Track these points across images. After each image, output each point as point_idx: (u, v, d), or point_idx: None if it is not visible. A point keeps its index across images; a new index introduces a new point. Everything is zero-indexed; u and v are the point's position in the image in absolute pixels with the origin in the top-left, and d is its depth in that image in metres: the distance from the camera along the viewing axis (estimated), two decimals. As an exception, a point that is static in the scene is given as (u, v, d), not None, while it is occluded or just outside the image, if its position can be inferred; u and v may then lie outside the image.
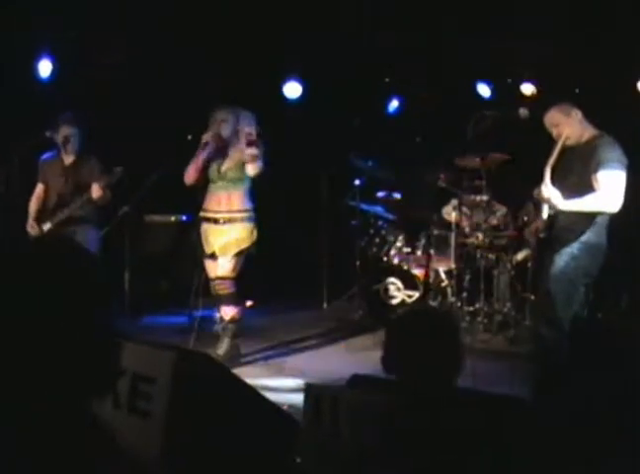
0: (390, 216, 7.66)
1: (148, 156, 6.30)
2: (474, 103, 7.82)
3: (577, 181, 4.52)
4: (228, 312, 5.78)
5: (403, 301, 7.13)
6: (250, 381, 3.50)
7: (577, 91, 7.32)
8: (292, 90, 8.51)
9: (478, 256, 7.07)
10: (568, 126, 4.59)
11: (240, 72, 8.00)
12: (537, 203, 4.80)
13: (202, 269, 5.87)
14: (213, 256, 5.76)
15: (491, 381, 4.75)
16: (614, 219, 4.58)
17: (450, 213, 7.24)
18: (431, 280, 7.21)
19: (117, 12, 6.96)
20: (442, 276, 7.30)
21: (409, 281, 7.19)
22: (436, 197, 7.41)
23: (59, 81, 7.23)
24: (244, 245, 5.71)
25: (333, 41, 7.86)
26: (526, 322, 6.75)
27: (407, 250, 7.56)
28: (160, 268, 8.18)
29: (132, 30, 7.29)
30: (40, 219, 5.98)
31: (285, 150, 6.27)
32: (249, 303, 8.08)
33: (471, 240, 7.20)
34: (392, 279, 7.23)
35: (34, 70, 7.24)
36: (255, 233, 5.79)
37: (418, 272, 7.26)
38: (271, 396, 3.69)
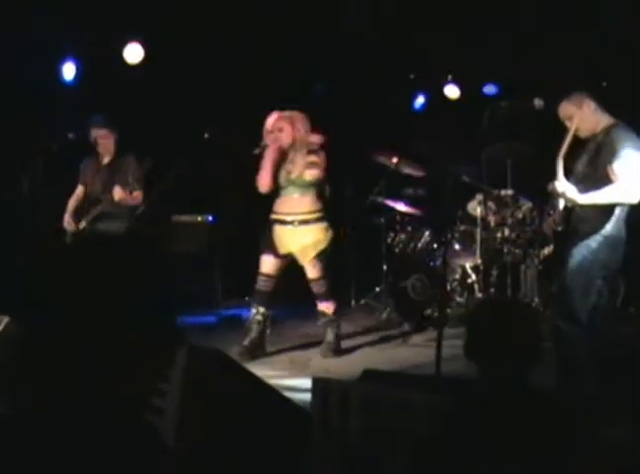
0: (416, 212, 7.56)
1: (166, 156, 6.31)
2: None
3: (593, 173, 4.41)
4: (329, 307, 6.00)
5: (430, 298, 7.03)
6: (274, 381, 3.48)
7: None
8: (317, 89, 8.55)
9: (505, 251, 6.97)
10: (580, 118, 4.47)
11: (260, 67, 8.02)
12: (554, 197, 4.68)
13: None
14: (286, 256, 5.94)
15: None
16: (634, 211, 4.45)
17: (476, 208, 7.15)
18: (457, 277, 7.11)
19: (134, 12, 6.98)
20: (469, 271, 7.19)
21: (435, 278, 7.09)
22: (460, 192, 7.31)
23: (83, 83, 7.27)
24: (321, 246, 5.88)
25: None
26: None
27: (433, 246, 7.46)
28: (187, 269, 8.16)
29: (150, 28, 7.30)
30: (77, 217, 6.19)
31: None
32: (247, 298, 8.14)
33: (497, 235, 7.09)
34: (419, 276, 7.15)
35: (58, 73, 7.27)
36: (330, 232, 5.96)
37: (442, 269, 7.15)
38: (295, 396, 3.64)
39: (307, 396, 4.43)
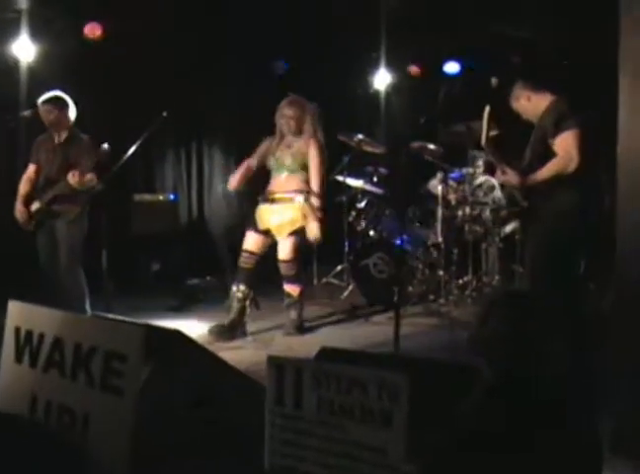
0: (378, 191, 7.59)
1: (123, 134, 6.25)
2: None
3: (539, 151, 4.48)
4: (295, 289, 6.12)
5: (390, 276, 7.08)
6: (238, 360, 3.51)
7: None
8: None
9: (466, 229, 7.04)
10: (520, 110, 4.62)
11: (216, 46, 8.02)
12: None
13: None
14: (266, 233, 6.06)
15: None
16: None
17: (436, 187, 7.19)
18: (418, 254, 7.17)
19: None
20: (430, 249, 7.25)
21: (396, 256, 7.13)
22: (422, 170, 7.37)
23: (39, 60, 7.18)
24: (297, 224, 5.98)
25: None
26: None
27: (395, 224, 7.50)
28: (149, 248, 8.16)
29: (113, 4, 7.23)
30: (28, 201, 5.91)
31: (269, 126, 6.23)
32: (208, 277, 8.21)
33: (458, 213, 7.15)
34: (380, 254, 7.19)
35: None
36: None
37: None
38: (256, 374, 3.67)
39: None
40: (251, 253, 6.07)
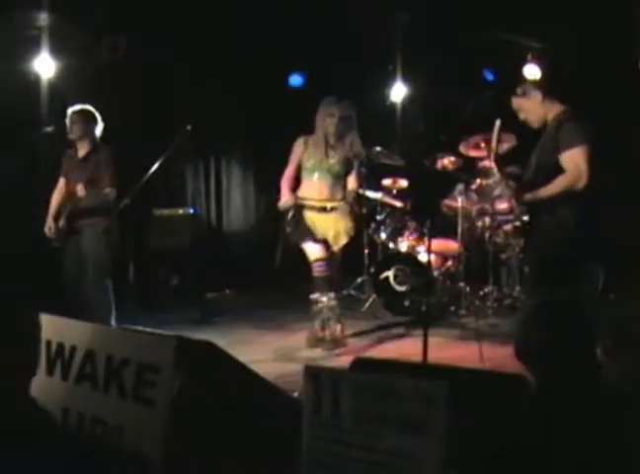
0: (397, 203, 7.62)
1: (149, 150, 6.29)
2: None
3: (545, 163, 4.43)
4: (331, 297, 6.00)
5: (412, 288, 7.09)
6: (260, 370, 3.50)
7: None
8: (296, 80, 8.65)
9: (486, 240, 7.05)
10: (527, 110, 4.53)
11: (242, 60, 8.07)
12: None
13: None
14: (322, 241, 5.94)
15: (500, 365, 4.72)
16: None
17: (457, 198, 7.21)
18: (438, 266, 7.18)
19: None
20: (450, 261, 7.26)
21: (417, 268, 7.15)
22: (442, 182, 7.38)
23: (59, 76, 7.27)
24: (351, 234, 6.07)
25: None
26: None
27: (415, 236, 7.52)
28: (169, 263, 8.20)
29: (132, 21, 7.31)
30: (58, 216, 5.96)
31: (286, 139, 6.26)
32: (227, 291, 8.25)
33: (478, 224, 7.16)
34: (400, 266, 7.20)
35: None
36: (352, 219, 6.09)
37: (425, 258, 7.22)
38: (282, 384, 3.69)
39: (293, 385, 4.61)
40: (322, 260, 5.90)
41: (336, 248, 5.98)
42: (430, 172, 7.09)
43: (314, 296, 5.94)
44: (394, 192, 7.76)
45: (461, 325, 6.67)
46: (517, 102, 4.60)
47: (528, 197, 4.36)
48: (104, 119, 5.98)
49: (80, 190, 5.59)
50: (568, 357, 2.20)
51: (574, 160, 4.24)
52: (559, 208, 4.33)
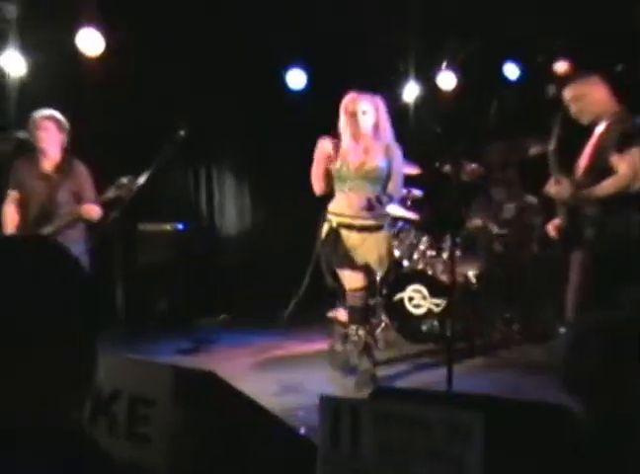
0: (412, 215, 7.64)
1: (136, 158, 6.31)
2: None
3: (596, 165, 4.50)
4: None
5: (430, 311, 7.11)
6: (263, 404, 3.52)
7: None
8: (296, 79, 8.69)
9: (511, 256, 7.07)
10: (587, 101, 4.58)
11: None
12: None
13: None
14: (362, 266, 5.72)
15: (536, 396, 4.76)
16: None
17: (478, 210, 7.24)
18: (459, 286, 7.19)
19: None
20: (472, 280, 7.28)
21: (435, 289, 7.17)
22: (462, 192, 7.41)
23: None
24: (394, 255, 6.08)
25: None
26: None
27: (431, 253, 7.54)
28: (156, 283, 8.20)
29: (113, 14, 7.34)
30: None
31: (286, 142, 6.27)
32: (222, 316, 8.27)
33: (502, 239, 7.19)
34: (416, 287, 7.22)
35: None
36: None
37: (445, 277, 7.24)
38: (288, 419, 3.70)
39: (299, 419, 4.63)
40: (361, 289, 5.75)
41: (380, 274, 5.87)
42: (447, 181, 7.11)
43: (352, 328, 5.84)
44: (408, 203, 7.77)
45: (485, 352, 6.68)
46: (578, 89, 4.64)
47: (583, 194, 4.42)
48: (82, 124, 5.99)
49: (92, 211, 5.54)
50: (630, 385, 2.19)
51: (630, 161, 4.33)
52: (602, 218, 4.39)
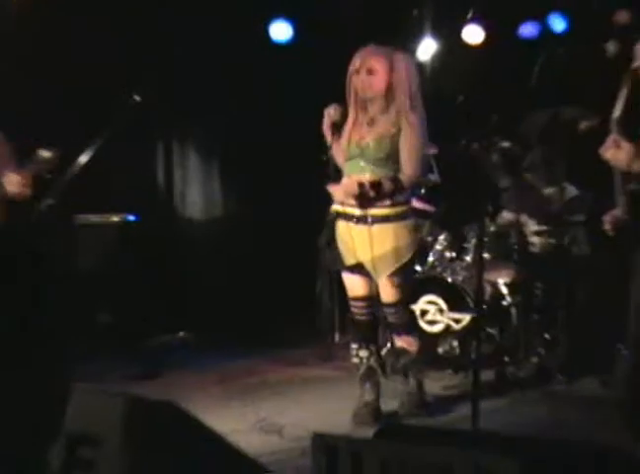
0: (426, 207, 7.66)
1: (77, 130, 6.32)
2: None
3: None
4: (412, 342, 5.96)
5: (448, 328, 7.14)
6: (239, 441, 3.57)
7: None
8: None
9: (553, 259, 7.09)
10: None
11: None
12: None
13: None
14: (358, 268, 5.79)
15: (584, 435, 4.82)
16: None
17: (512, 201, 7.26)
18: (487, 298, 7.22)
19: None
20: (504, 290, 7.30)
21: (456, 300, 7.19)
22: (491, 178, 7.43)
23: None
24: (406, 255, 5.73)
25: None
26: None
27: (451, 255, 7.57)
28: (98, 289, 8.21)
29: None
30: None
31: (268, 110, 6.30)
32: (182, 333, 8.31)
33: (542, 239, 7.22)
34: (432, 297, 7.25)
35: None
36: (419, 232, 6.00)
37: (468, 286, 7.26)
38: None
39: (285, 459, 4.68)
40: (361, 299, 5.85)
41: (378, 279, 5.74)
42: (473, 163, 7.14)
43: (353, 347, 5.96)
44: (422, 191, 7.78)
45: (521, 381, 6.70)
46: None
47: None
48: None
49: (14, 184, 5.55)
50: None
51: None
52: None
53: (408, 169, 5.60)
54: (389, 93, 5.61)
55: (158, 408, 3.41)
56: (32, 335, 5.20)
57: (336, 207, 5.76)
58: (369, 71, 5.59)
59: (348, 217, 5.72)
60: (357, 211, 5.67)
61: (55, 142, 5.65)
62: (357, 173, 5.64)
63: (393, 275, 5.69)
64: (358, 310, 5.86)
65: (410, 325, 6.01)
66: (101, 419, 3.28)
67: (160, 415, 3.36)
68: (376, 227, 5.65)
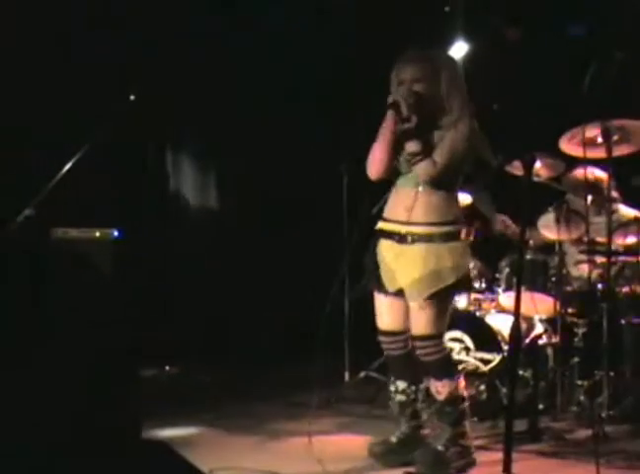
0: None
1: (61, 131, 6.36)
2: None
3: None
4: (441, 388, 5.84)
5: (475, 370, 7.13)
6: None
7: None
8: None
9: (598, 293, 7.09)
10: None
11: None
12: None
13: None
14: (398, 294, 5.83)
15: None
16: None
17: (551, 226, 7.25)
18: (522, 335, 7.22)
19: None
20: (539, 327, 7.30)
21: (484, 337, 7.19)
22: (532, 198, 7.45)
23: None
24: (446, 281, 5.70)
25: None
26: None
27: (480, 286, 7.57)
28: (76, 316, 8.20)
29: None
30: None
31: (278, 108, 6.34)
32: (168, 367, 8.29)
33: (585, 269, 7.21)
34: (457, 334, 7.24)
35: None
36: (466, 259, 5.91)
37: (498, 321, 7.26)
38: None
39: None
40: (391, 333, 5.93)
41: (413, 303, 5.72)
42: (510, 181, 7.16)
43: (390, 380, 6.07)
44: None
45: (559, 434, 6.69)
46: None
47: None
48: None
49: None
50: None
51: None
52: None
53: (437, 156, 5.65)
54: (430, 104, 5.69)
55: (148, 449, 3.42)
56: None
57: (380, 225, 5.86)
58: (413, 80, 5.68)
59: (385, 234, 5.83)
60: (398, 228, 5.76)
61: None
62: (406, 187, 5.78)
63: (428, 299, 5.67)
64: (389, 344, 5.95)
65: (442, 367, 5.84)
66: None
67: (149, 455, 3.36)
68: (417, 246, 5.71)
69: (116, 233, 8.33)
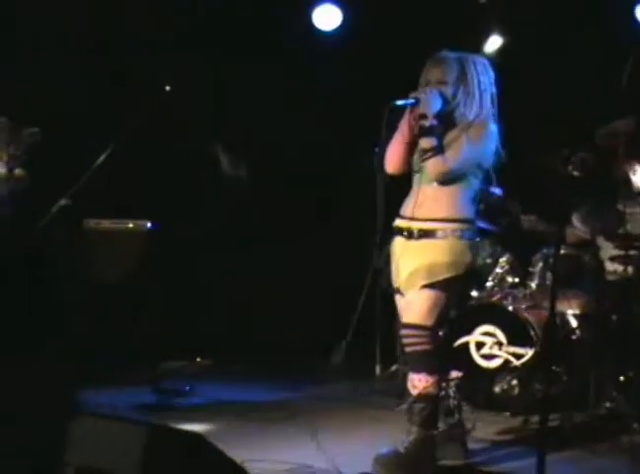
0: (485, 226, 7.65)
1: (99, 123, 6.37)
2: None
3: None
4: (416, 383, 5.82)
5: (506, 362, 7.12)
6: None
7: None
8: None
9: (632, 289, 7.06)
10: None
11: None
12: None
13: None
14: (399, 291, 5.92)
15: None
16: None
17: (585, 221, 7.23)
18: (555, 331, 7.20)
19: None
20: (573, 323, 7.28)
21: (517, 332, 7.18)
22: (564, 193, 7.42)
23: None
24: (441, 273, 5.74)
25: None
26: None
27: (514, 279, 7.56)
28: (107, 308, 8.21)
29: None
30: None
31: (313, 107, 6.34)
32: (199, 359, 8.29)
33: (619, 265, 7.19)
34: (489, 328, 7.23)
35: None
36: (467, 257, 5.87)
37: (532, 316, 7.24)
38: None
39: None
40: (412, 326, 5.82)
41: (407, 292, 5.79)
42: (544, 176, 7.13)
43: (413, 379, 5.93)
44: (481, 206, 7.76)
45: (593, 430, 6.67)
46: None
47: None
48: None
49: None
50: None
51: None
52: None
53: (448, 155, 5.71)
54: (457, 103, 5.77)
55: (184, 440, 3.42)
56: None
57: (395, 222, 5.91)
58: (439, 82, 5.74)
59: (399, 231, 5.88)
60: (408, 224, 5.82)
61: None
62: (422, 186, 5.84)
63: (420, 290, 5.72)
64: (407, 339, 5.84)
65: (422, 361, 5.79)
66: (116, 451, 3.28)
67: (186, 448, 3.36)
68: (421, 242, 5.78)
69: (149, 224, 8.33)
